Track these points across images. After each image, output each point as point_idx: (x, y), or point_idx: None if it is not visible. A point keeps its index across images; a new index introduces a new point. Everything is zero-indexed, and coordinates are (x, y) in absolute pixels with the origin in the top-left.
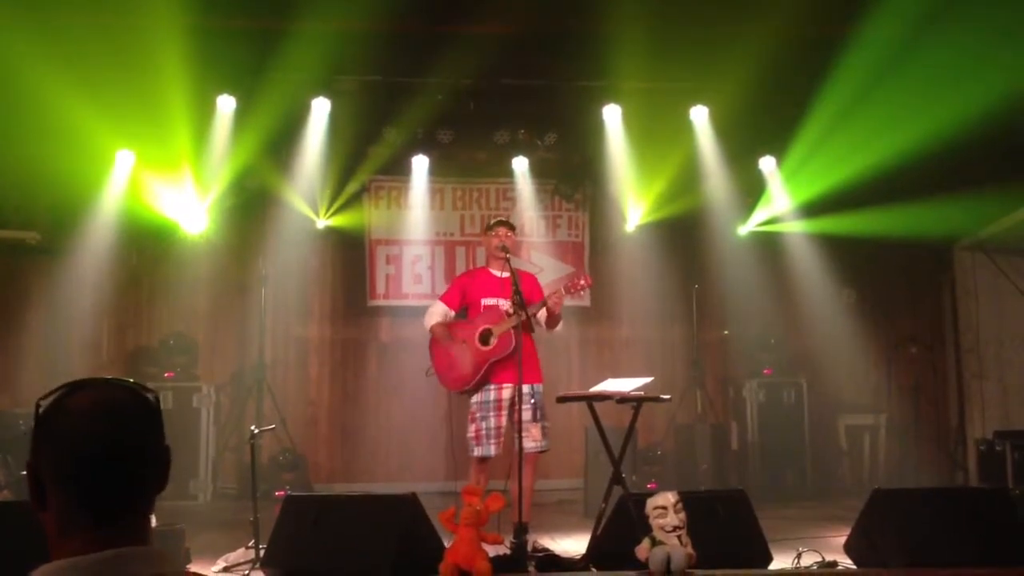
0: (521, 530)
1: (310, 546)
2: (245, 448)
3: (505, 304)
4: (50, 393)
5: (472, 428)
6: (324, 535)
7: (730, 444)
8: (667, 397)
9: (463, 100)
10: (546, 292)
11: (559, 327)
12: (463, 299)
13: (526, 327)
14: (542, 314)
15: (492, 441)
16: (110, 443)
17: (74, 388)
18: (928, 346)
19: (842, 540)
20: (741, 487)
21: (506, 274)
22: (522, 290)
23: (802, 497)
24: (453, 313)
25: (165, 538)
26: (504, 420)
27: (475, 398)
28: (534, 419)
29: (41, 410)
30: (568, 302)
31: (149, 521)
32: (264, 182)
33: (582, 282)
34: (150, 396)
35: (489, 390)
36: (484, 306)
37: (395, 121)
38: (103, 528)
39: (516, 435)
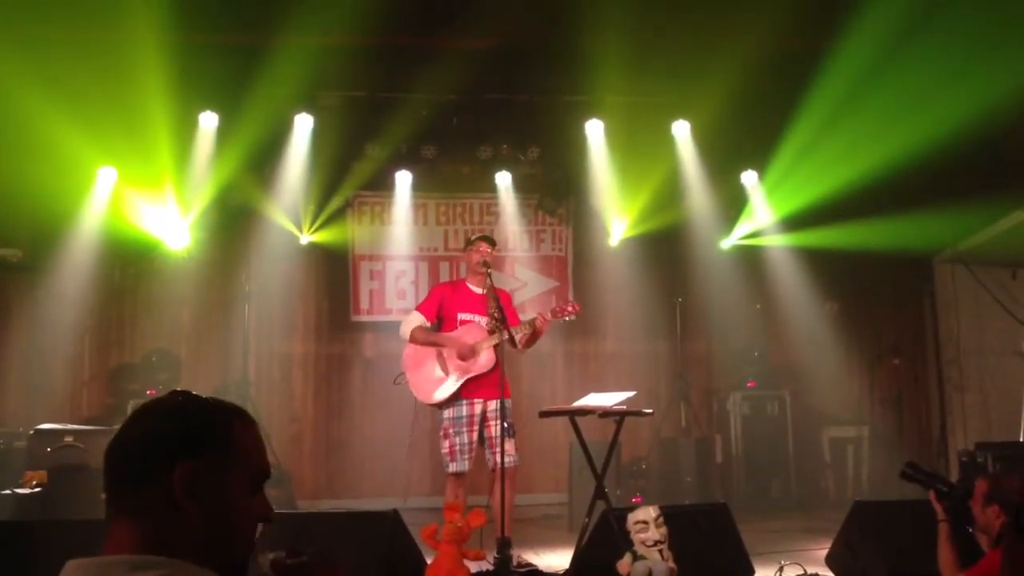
0: (504, 545)
1: None
2: None
3: (483, 321)
4: None
5: (446, 444)
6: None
7: (714, 457)
8: (649, 411)
9: (446, 115)
10: (533, 310)
11: (533, 346)
12: (440, 311)
13: (501, 345)
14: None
15: (466, 456)
16: (115, 436)
17: None
18: (910, 358)
19: (824, 552)
20: (724, 500)
21: (484, 291)
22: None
23: (786, 509)
24: (429, 324)
25: None
26: (476, 435)
27: (447, 413)
28: (508, 434)
29: None
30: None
31: (152, 527)
32: (247, 198)
33: (570, 308)
34: (178, 398)
35: (461, 405)
36: (461, 320)
37: (378, 136)
38: (112, 528)
39: (491, 452)
